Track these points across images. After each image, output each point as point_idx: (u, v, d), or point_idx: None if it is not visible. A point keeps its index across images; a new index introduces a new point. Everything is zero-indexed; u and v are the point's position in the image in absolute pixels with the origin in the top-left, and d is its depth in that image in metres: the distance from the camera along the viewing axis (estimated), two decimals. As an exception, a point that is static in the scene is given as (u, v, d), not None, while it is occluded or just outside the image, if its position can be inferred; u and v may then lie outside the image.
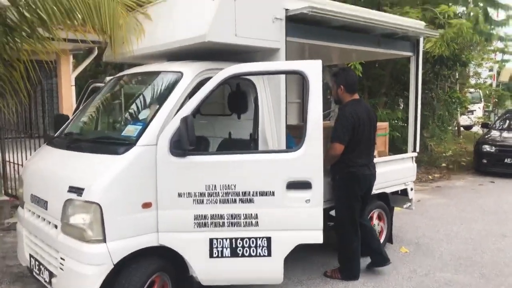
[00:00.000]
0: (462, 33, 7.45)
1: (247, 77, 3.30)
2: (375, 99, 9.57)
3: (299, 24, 3.53)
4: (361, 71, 7.76)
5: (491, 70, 17.36)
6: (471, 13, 8.93)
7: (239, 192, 2.90)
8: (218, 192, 2.90)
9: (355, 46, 4.10)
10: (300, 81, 5.43)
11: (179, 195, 2.88)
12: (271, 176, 2.93)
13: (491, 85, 16.08)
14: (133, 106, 3.50)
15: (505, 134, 10.28)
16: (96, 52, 9.04)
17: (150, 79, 3.55)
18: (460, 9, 9.71)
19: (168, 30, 3.55)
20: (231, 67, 2.91)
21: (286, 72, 3.14)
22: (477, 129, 15.02)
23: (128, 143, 2.85)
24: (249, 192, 2.91)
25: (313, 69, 2.94)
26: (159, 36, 3.63)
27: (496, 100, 15.67)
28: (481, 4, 9.64)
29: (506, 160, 9.12)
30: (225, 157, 3.00)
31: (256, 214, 2.93)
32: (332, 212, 4.04)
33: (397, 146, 7.91)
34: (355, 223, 3.87)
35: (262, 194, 2.92)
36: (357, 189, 3.84)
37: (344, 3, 4.26)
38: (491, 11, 10.62)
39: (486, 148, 9.56)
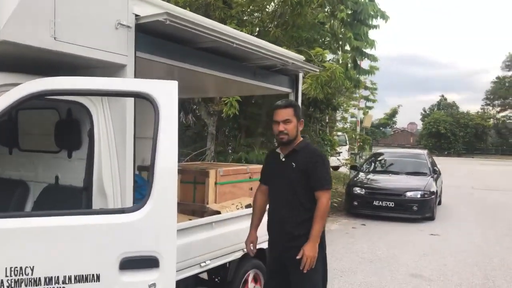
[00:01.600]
0: (335, 77, 7.48)
1: (79, 101, 2.34)
2: (252, 138, 9.16)
3: (154, 37, 2.70)
4: (238, 108, 7.23)
5: (353, 117, 19.04)
6: (341, 60, 9.25)
7: (39, 278, 1.82)
8: (1, 281, 1.78)
9: (225, 75, 3.40)
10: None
11: None
12: (95, 250, 1.92)
13: (355, 129, 17.38)
14: None
15: (372, 176, 10.71)
16: None
17: None
18: (330, 56, 10.06)
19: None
20: (33, 81, 1.89)
21: (123, 94, 2.17)
22: (345, 170, 15.85)
23: None
24: (57, 278, 1.84)
25: (165, 93, 2.08)
26: None
27: (361, 143, 16.88)
28: (349, 54, 10.13)
29: (374, 202, 9.32)
30: (16, 221, 1.89)
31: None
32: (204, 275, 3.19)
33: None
34: None
35: (80, 279, 1.87)
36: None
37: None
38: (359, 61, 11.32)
39: (357, 190, 9.72)
